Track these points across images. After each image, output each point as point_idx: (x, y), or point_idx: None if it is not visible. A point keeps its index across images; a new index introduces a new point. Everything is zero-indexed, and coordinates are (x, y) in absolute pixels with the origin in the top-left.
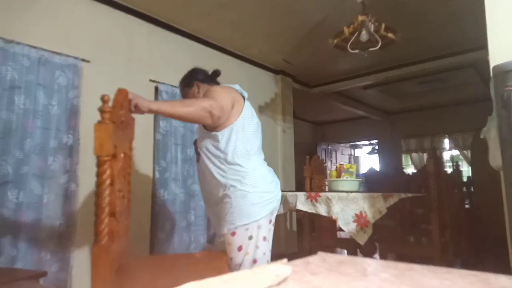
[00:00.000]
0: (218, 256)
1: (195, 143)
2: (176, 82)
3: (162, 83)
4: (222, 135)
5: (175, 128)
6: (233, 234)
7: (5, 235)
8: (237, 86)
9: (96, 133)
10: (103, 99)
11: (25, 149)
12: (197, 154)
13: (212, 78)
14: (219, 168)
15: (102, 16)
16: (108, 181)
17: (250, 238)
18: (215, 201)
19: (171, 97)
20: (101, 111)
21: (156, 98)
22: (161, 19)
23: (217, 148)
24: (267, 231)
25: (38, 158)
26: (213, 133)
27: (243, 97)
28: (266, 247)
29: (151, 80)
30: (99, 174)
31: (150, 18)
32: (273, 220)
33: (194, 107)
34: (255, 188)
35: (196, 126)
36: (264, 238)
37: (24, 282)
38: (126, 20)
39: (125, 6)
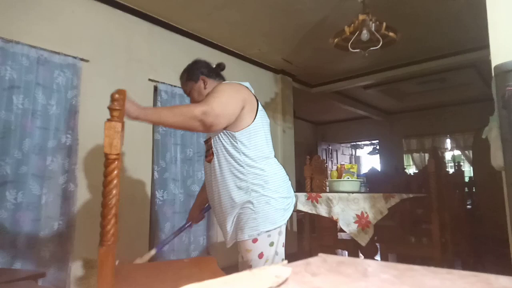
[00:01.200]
0: (207, 260)
1: (207, 141)
2: (176, 82)
3: (162, 82)
4: (242, 135)
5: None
6: (255, 240)
7: (4, 235)
8: (247, 84)
9: (106, 131)
10: (113, 98)
11: (24, 149)
12: (210, 154)
13: (217, 72)
14: (238, 171)
15: (101, 16)
16: (115, 181)
17: (271, 244)
18: (231, 205)
19: (171, 96)
20: (111, 109)
21: (155, 97)
22: (160, 18)
23: (236, 149)
24: (284, 236)
25: (37, 158)
26: (232, 132)
27: (255, 96)
28: (283, 254)
29: (150, 80)
30: (107, 173)
31: (150, 17)
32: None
33: (183, 117)
34: (278, 193)
35: None
36: (283, 244)
37: (23, 283)
38: (126, 20)
39: (125, 6)
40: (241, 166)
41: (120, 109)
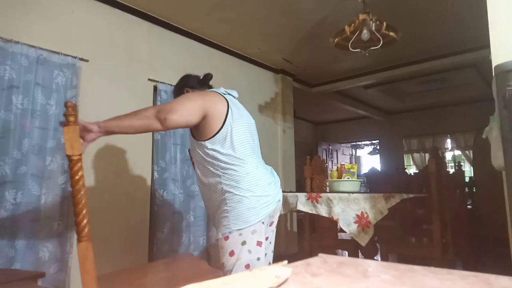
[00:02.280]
0: (185, 257)
1: (189, 151)
2: (175, 82)
3: (162, 82)
4: (211, 143)
5: None
6: (226, 238)
7: (3, 236)
8: (221, 90)
9: (66, 135)
10: (66, 105)
11: (23, 149)
12: (192, 162)
13: (203, 82)
14: (214, 174)
15: (101, 15)
16: (81, 181)
17: (243, 243)
18: (213, 206)
19: (170, 96)
20: (67, 115)
21: (155, 97)
22: (160, 18)
23: (209, 156)
24: (262, 235)
25: (36, 158)
26: (201, 142)
27: (227, 100)
28: (260, 252)
29: (150, 80)
30: (73, 174)
31: (150, 17)
32: (275, 221)
33: (136, 116)
34: (250, 192)
35: None
36: (259, 243)
37: (22, 283)
38: (125, 19)
39: (125, 5)
40: (216, 169)
41: (75, 114)
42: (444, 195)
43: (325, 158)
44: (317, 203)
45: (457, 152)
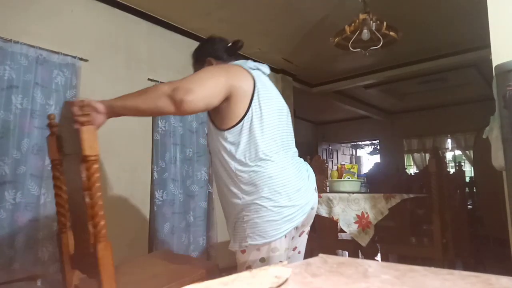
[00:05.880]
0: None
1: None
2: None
3: (161, 82)
4: (231, 133)
5: (174, 128)
6: (243, 251)
7: (3, 236)
8: (249, 63)
9: (84, 135)
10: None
11: (22, 149)
12: (209, 150)
13: (231, 52)
14: (232, 173)
15: (101, 15)
16: (98, 183)
17: (262, 260)
18: (228, 209)
19: None
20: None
21: None
22: (160, 17)
23: (226, 150)
24: (284, 253)
25: (36, 158)
26: (222, 131)
27: (253, 77)
28: None
29: (149, 79)
30: (90, 175)
31: (149, 16)
32: (307, 230)
33: (144, 96)
34: (272, 201)
35: (195, 126)
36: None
37: (22, 283)
38: (125, 19)
39: (124, 5)
40: (232, 170)
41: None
42: (444, 195)
43: (325, 158)
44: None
45: (458, 152)
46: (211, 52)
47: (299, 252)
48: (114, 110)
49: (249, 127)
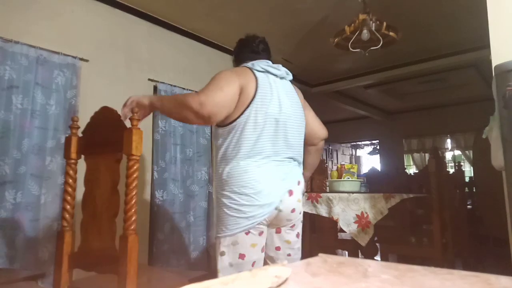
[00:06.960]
0: None
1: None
2: (176, 82)
3: (161, 82)
4: (223, 131)
5: (174, 128)
6: (216, 242)
7: (3, 236)
8: (262, 63)
9: (134, 136)
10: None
11: (22, 149)
12: None
13: (249, 51)
14: (215, 168)
15: (101, 15)
16: (136, 181)
17: (222, 254)
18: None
19: None
20: (133, 119)
21: None
22: (160, 18)
23: (216, 145)
24: (246, 247)
25: (36, 158)
26: (217, 128)
27: (256, 80)
28: (243, 265)
29: (150, 79)
30: (131, 173)
31: (150, 17)
32: (286, 228)
33: (175, 103)
34: (231, 199)
35: (195, 126)
36: (241, 256)
37: (22, 283)
38: (125, 19)
39: (125, 5)
40: (216, 165)
41: (140, 120)
42: (444, 195)
43: (325, 158)
44: (317, 203)
45: (457, 152)
46: (240, 57)
47: (288, 255)
48: (154, 106)
49: (239, 128)
